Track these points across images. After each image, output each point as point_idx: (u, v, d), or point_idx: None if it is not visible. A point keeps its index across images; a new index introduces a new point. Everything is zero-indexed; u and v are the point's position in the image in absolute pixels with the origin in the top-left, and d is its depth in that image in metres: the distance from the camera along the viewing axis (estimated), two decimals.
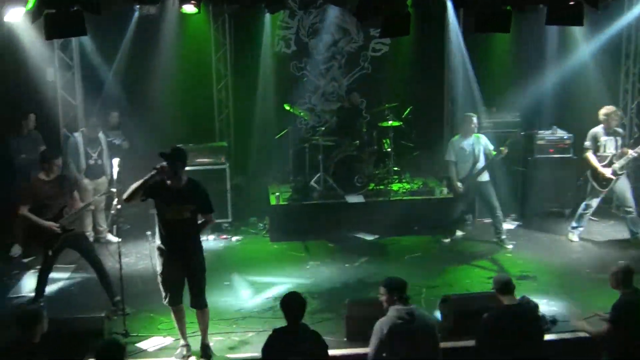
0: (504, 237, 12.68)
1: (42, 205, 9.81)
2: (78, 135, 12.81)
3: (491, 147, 12.63)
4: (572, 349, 8.85)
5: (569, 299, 10.23)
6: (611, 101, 13.61)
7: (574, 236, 12.87)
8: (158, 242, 8.53)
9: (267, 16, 14.92)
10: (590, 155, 12.47)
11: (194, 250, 8.57)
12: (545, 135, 14.30)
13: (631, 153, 12.26)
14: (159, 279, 8.64)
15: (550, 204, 14.22)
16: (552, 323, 9.34)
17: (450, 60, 15.55)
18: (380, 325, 7.25)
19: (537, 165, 14.17)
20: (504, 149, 12.42)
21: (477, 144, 12.64)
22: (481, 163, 12.61)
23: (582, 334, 8.67)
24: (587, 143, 12.54)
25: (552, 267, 11.64)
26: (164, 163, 8.12)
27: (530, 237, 12.88)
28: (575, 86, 14.60)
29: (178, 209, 8.29)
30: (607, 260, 9.28)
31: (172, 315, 8.78)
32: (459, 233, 13.34)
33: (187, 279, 8.57)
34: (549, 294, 10.43)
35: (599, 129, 12.48)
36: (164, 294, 8.65)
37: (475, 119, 12.76)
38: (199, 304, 8.62)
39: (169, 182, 8.23)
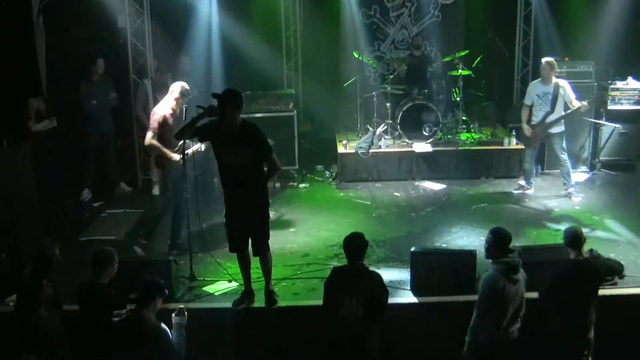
0: (570, 189, 12.48)
1: (164, 138, 9.91)
2: (147, 82, 12.92)
3: (572, 96, 12.15)
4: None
5: (639, 254, 10.08)
6: None
7: None
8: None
9: None
10: None
11: (257, 200, 8.39)
12: (620, 85, 13.98)
13: None
14: (225, 224, 8.70)
15: (622, 156, 13.90)
16: (619, 278, 9.22)
17: (522, 7, 15.27)
18: (489, 282, 7.26)
19: (611, 117, 13.85)
20: (586, 104, 12.13)
21: (556, 91, 12.17)
22: (558, 113, 12.21)
23: None
24: None
25: (622, 221, 11.44)
26: (214, 104, 8.06)
27: (601, 190, 12.64)
28: None
29: (235, 153, 8.11)
30: None
31: (238, 262, 8.84)
32: (525, 184, 13.18)
33: (250, 228, 8.50)
34: (618, 248, 10.30)
35: None
36: (228, 241, 8.72)
37: (555, 64, 12.31)
38: (260, 251, 8.61)
39: (223, 125, 8.10)
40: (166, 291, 7.17)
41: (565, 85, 12.21)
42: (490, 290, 7.22)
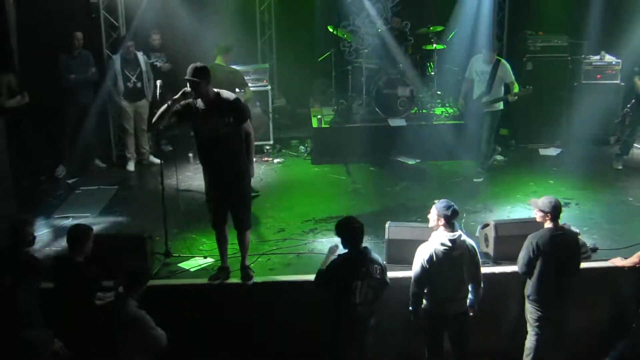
0: (479, 169, 12.46)
1: None
2: (117, 58, 12.80)
3: (511, 78, 12.03)
4: (610, 276, 8.85)
5: (611, 228, 10.20)
6: None
7: (618, 164, 12.73)
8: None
9: None
10: (639, 79, 12.25)
11: (238, 171, 8.36)
12: (593, 60, 14.03)
13: None
14: (205, 199, 8.70)
15: (595, 131, 13.96)
16: (592, 251, 9.33)
17: None
18: (422, 251, 7.43)
19: (584, 91, 13.91)
20: (512, 97, 11.95)
21: (494, 72, 11.99)
22: (495, 94, 12.05)
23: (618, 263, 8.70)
24: (637, 68, 12.30)
25: (594, 195, 11.55)
26: (186, 88, 8.03)
27: (573, 164, 12.67)
28: (626, 9, 14.24)
29: (214, 124, 8.10)
30: None
31: (216, 237, 8.81)
32: (499, 158, 13.25)
33: (231, 202, 8.50)
34: (590, 222, 10.41)
35: None
36: (212, 218, 8.66)
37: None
38: (243, 226, 8.59)
39: (197, 101, 8.14)
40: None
41: (504, 64, 12.04)
42: (420, 261, 7.40)
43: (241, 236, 8.64)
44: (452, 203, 7.55)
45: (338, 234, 7.34)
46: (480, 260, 7.66)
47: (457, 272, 7.42)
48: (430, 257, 7.33)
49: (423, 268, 7.38)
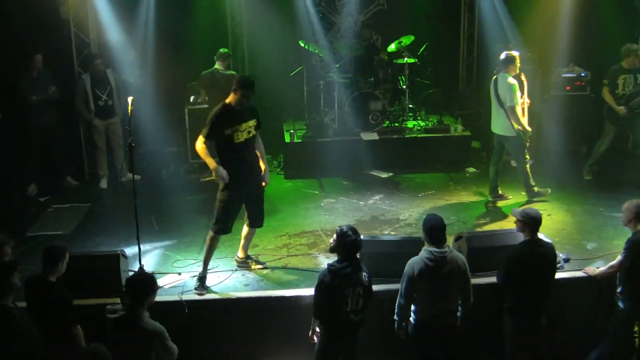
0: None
1: None
2: (86, 77, 12.73)
3: (505, 96, 11.31)
4: (581, 286, 8.96)
5: (583, 238, 10.30)
6: (630, 37, 13.45)
7: (589, 174, 12.84)
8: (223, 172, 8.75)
9: None
10: (607, 91, 12.38)
11: (259, 170, 9.18)
12: (562, 72, 14.15)
13: None
14: (220, 206, 8.95)
15: (566, 142, 14.07)
16: (565, 261, 9.41)
17: None
18: (411, 265, 7.45)
19: (554, 103, 14.01)
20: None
21: (494, 85, 11.62)
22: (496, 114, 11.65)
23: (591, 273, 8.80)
24: (606, 80, 12.44)
25: (567, 206, 11.65)
26: (224, 175, 8.70)
27: (545, 175, 12.74)
28: (594, 22, 14.38)
29: (247, 128, 8.87)
30: (620, 199, 9.28)
31: (208, 245, 9.03)
32: (472, 169, 13.34)
33: (250, 200, 9.20)
34: (563, 233, 10.50)
35: (618, 67, 12.37)
36: (221, 224, 8.95)
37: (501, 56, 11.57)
38: (262, 221, 9.44)
39: (239, 107, 8.84)
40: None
41: (500, 79, 11.51)
42: (408, 274, 7.44)
43: (253, 231, 9.50)
44: (436, 219, 7.59)
45: (338, 244, 7.41)
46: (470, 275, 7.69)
47: (446, 286, 7.46)
48: (420, 271, 7.35)
49: (411, 281, 7.41)
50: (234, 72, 12.68)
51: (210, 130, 8.70)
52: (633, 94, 12.28)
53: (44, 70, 12.59)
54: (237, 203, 9.05)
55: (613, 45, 12.90)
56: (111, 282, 8.56)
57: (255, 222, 9.36)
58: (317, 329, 7.50)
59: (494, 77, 11.57)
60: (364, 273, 7.40)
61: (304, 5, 15.37)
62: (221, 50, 12.60)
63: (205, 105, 12.90)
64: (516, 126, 11.25)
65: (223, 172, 8.67)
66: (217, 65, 12.50)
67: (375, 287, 7.61)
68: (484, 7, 15.03)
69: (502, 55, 11.39)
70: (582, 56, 14.33)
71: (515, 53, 11.40)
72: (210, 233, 9.01)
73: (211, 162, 8.75)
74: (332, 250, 7.48)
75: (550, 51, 14.48)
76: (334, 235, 7.46)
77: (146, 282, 7.15)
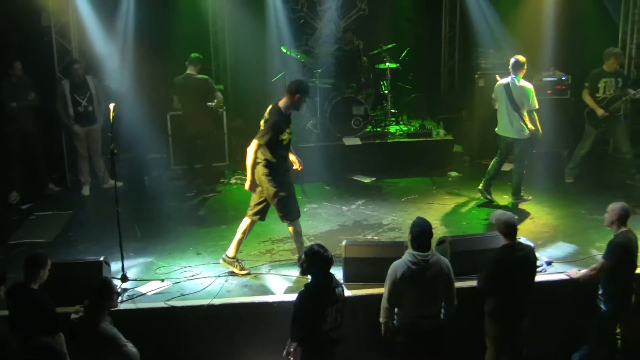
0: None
1: None
2: (65, 83, 12.66)
3: (522, 99, 11.47)
4: (564, 289, 8.99)
5: (565, 241, 10.36)
6: (610, 42, 13.56)
7: (570, 177, 12.91)
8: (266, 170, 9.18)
9: None
10: (588, 94, 12.44)
11: (291, 166, 9.68)
12: (544, 76, 14.22)
13: (631, 93, 12.27)
14: (281, 199, 9.26)
15: (547, 145, 14.12)
16: (547, 264, 9.45)
17: (447, 0, 15.52)
18: (395, 268, 7.44)
19: None
20: None
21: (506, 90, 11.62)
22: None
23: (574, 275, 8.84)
24: (587, 83, 12.50)
25: (549, 209, 11.71)
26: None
27: (527, 178, 12.78)
28: (574, 27, 14.47)
29: (290, 129, 9.44)
30: (602, 202, 9.35)
31: (294, 229, 9.56)
32: (454, 173, 13.40)
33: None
34: (545, 235, 10.55)
35: (600, 70, 12.45)
36: (291, 211, 9.44)
37: (512, 60, 11.62)
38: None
39: (293, 111, 9.41)
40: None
41: (511, 83, 11.56)
42: (391, 277, 7.43)
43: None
44: (421, 224, 7.60)
45: (309, 264, 7.29)
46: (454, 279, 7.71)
47: (430, 290, 7.46)
48: (403, 274, 7.35)
49: (395, 285, 7.40)
50: (206, 77, 12.78)
51: (272, 138, 9.04)
52: (614, 98, 12.36)
53: (23, 76, 12.53)
54: (290, 188, 9.48)
55: (593, 50, 13.02)
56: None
57: (264, 216, 9.59)
58: (292, 350, 7.36)
59: (499, 82, 11.63)
60: (339, 288, 7.39)
61: (285, 12, 15.40)
62: (192, 55, 12.67)
63: (180, 112, 12.95)
64: (532, 128, 11.40)
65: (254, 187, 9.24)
66: (189, 71, 12.58)
67: (358, 292, 7.63)
68: (465, 11, 15.10)
69: (513, 60, 11.47)
70: (563, 60, 14.42)
71: (523, 57, 11.48)
72: (289, 226, 9.55)
73: (250, 175, 9.17)
74: (305, 272, 7.43)
75: (531, 55, 14.48)
76: (303, 257, 7.41)
77: (101, 287, 7.16)
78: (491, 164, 11.97)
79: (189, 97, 12.64)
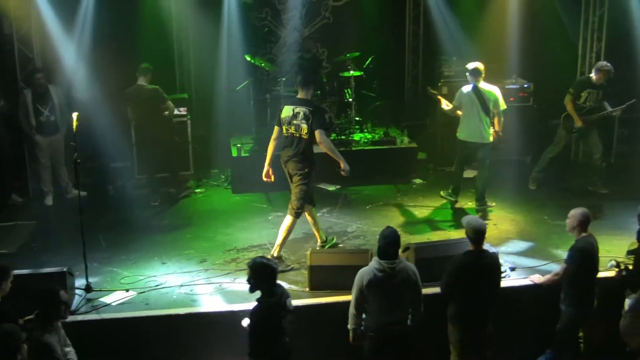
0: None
1: None
2: (27, 92, 12.55)
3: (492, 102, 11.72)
4: (528, 294, 9.11)
5: (528, 246, 10.48)
6: (571, 50, 13.74)
7: (534, 184, 13.03)
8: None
9: None
10: (570, 100, 12.53)
11: None
12: (506, 84, 14.35)
13: (609, 110, 12.43)
14: (306, 190, 10.26)
15: (510, 152, 14.24)
16: (510, 270, 9.53)
17: (411, 9, 15.62)
18: (361, 276, 7.48)
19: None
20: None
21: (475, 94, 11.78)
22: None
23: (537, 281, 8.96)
24: (572, 90, 12.60)
25: (512, 215, 11.83)
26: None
27: (491, 185, 12.90)
28: (537, 35, 14.63)
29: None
30: (564, 207, 9.47)
31: (312, 214, 10.53)
32: (418, 181, 13.48)
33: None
34: (508, 242, 10.65)
35: (587, 79, 12.62)
36: (311, 201, 10.40)
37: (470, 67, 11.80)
38: None
39: None
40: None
41: (479, 88, 11.73)
42: (358, 284, 7.48)
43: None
44: (389, 234, 7.61)
45: (257, 279, 7.18)
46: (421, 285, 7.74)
47: (397, 297, 7.51)
48: (369, 282, 7.39)
49: (362, 292, 7.45)
50: (157, 87, 12.72)
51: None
52: (595, 109, 12.49)
53: None
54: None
55: (555, 57, 13.17)
56: None
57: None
58: None
59: (464, 89, 11.81)
60: (290, 299, 7.41)
61: (249, 20, 15.40)
62: (142, 65, 12.65)
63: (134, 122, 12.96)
64: (499, 131, 11.69)
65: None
66: (140, 82, 12.58)
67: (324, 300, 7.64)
68: (429, 20, 15.20)
69: (471, 66, 11.64)
70: (525, 68, 14.58)
71: (482, 65, 11.69)
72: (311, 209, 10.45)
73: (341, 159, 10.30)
74: (254, 289, 7.21)
75: (494, 63, 14.64)
76: (247, 273, 7.26)
77: (47, 297, 7.05)
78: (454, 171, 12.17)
79: (141, 107, 12.61)
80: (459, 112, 11.85)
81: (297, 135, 10.03)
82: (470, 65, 11.67)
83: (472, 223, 7.94)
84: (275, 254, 9.89)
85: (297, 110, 9.99)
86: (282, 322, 7.19)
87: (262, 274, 7.14)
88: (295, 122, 9.98)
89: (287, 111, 10.09)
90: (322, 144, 10.01)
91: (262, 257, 7.39)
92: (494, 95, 11.58)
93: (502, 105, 11.63)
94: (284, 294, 7.31)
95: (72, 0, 13.47)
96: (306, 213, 10.33)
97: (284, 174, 10.45)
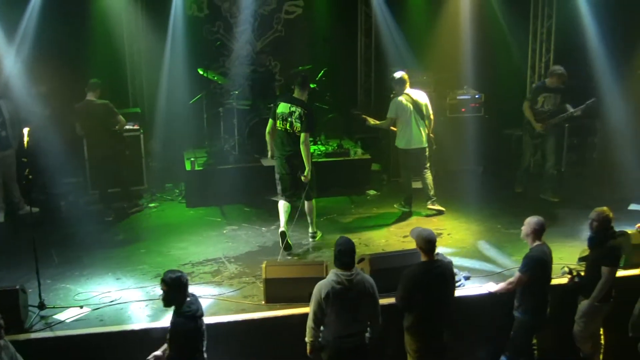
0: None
1: None
2: (2, 102, 12.40)
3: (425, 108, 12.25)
4: (483, 302, 9.18)
5: (483, 255, 10.58)
6: (521, 60, 13.92)
7: (520, 187, 13.48)
8: None
9: None
10: (528, 107, 12.72)
11: None
12: (458, 94, 14.49)
13: (570, 111, 12.60)
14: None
15: (463, 162, 14.37)
16: (465, 279, 9.61)
17: (363, 21, 15.71)
18: (319, 288, 7.47)
19: (450, 125, 14.31)
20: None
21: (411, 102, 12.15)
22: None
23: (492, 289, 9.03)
24: (529, 95, 12.80)
25: (466, 224, 11.93)
26: None
27: (444, 196, 12.97)
28: (487, 46, 14.79)
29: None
30: (518, 216, 9.58)
31: (313, 204, 11.35)
32: (372, 192, 13.56)
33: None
34: (463, 251, 10.74)
35: (541, 84, 12.85)
36: (314, 191, 11.22)
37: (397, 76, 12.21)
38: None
39: None
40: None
41: (414, 95, 12.17)
42: (316, 297, 7.47)
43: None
44: (344, 242, 7.64)
45: (174, 292, 7.17)
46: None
47: (354, 309, 7.51)
48: (327, 294, 7.38)
49: (319, 304, 7.44)
50: (106, 102, 12.67)
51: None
52: (554, 112, 12.65)
53: None
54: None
55: (505, 68, 13.30)
56: (11, 319, 8.33)
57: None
58: None
59: (398, 99, 12.05)
60: (202, 309, 7.42)
61: (202, 34, 15.38)
62: (91, 80, 12.62)
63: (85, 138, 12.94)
64: (432, 134, 12.23)
65: None
66: (89, 97, 12.54)
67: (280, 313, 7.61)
68: (380, 32, 15.31)
69: (397, 75, 12.10)
70: (476, 79, 14.73)
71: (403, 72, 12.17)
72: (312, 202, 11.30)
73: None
74: (169, 303, 7.21)
75: (446, 74, 14.83)
76: (162, 287, 7.22)
77: None
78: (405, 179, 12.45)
79: (90, 123, 12.52)
80: (393, 128, 12.25)
81: (291, 131, 10.77)
82: (397, 75, 12.17)
83: (422, 234, 7.98)
84: (311, 230, 11.46)
85: (293, 108, 10.74)
86: (202, 329, 7.22)
87: (179, 287, 7.15)
88: (290, 119, 10.73)
89: (283, 107, 10.84)
90: (305, 145, 10.66)
91: (172, 270, 7.32)
92: (426, 101, 12.13)
93: (431, 112, 12.21)
94: (198, 303, 7.34)
95: (17, 12, 13.36)
96: (306, 202, 11.25)
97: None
